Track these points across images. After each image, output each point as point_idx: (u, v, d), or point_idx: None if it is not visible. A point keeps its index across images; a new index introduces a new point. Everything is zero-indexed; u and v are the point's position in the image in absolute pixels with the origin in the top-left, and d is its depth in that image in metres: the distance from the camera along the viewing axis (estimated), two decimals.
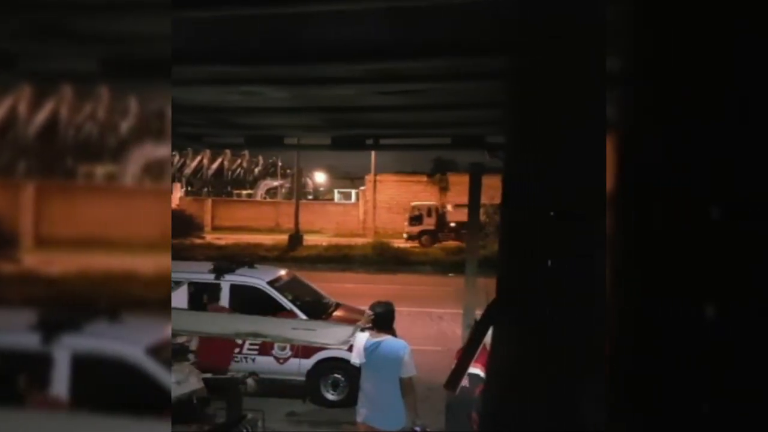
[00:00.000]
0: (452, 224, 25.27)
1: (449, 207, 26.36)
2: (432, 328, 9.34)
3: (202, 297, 6.78)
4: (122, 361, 3.06)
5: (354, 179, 32.06)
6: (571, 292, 1.63)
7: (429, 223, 25.73)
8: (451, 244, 22.59)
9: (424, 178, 28.25)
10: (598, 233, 1.14)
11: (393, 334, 4.37)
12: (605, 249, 1.00)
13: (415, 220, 26.03)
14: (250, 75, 2.81)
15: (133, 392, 3.07)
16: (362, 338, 4.09)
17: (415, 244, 24.64)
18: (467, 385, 3.40)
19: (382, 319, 4.21)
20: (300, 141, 7.13)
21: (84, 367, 3.07)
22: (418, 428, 4.08)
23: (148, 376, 3.07)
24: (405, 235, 25.48)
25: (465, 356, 2.52)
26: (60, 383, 3.07)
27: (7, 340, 3.11)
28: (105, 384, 3.13)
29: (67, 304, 3.57)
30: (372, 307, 4.29)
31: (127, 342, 3.15)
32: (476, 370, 3.36)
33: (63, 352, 3.08)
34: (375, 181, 29.13)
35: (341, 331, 3.27)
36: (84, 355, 3.08)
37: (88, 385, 3.08)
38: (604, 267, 1.01)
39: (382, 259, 19.39)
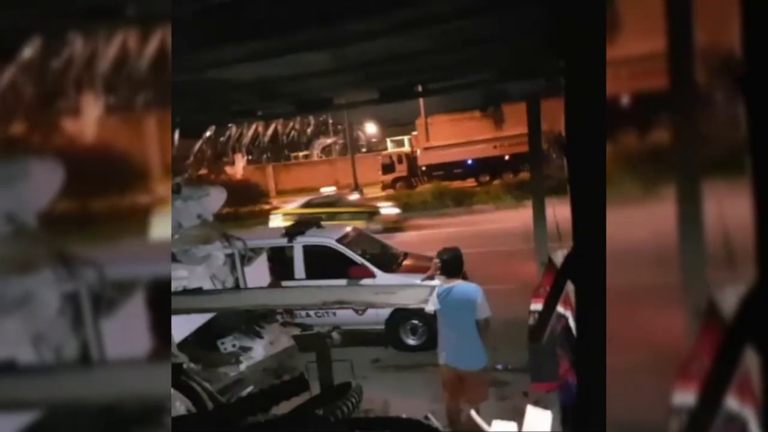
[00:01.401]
0: (423, 167, 25.30)
1: (419, 151, 26.19)
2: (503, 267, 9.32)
3: (279, 262, 7.19)
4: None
5: (405, 125, 31.51)
6: None
7: (401, 170, 25.97)
8: (511, 178, 21.97)
9: (477, 114, 27.18)
10: None
11: (464, 278, 4.43)
12: None
13: (388, 168, 26.13)
14: (286, 44, 2.81)
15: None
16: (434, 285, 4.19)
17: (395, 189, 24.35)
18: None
19: (450, 265, 4.27)
20: (348, 99, 7.09)
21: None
22: (500, 366, 4.20)
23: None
24: (381, 185, 25.62)
25: (547, 307, 2.49)
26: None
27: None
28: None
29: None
30: (439, 255, 4.36)
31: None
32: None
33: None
34: (426, 125, 28.53)
35: (420, 292, 3.42)
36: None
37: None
38: None
39: (442, 203, 19.41)
